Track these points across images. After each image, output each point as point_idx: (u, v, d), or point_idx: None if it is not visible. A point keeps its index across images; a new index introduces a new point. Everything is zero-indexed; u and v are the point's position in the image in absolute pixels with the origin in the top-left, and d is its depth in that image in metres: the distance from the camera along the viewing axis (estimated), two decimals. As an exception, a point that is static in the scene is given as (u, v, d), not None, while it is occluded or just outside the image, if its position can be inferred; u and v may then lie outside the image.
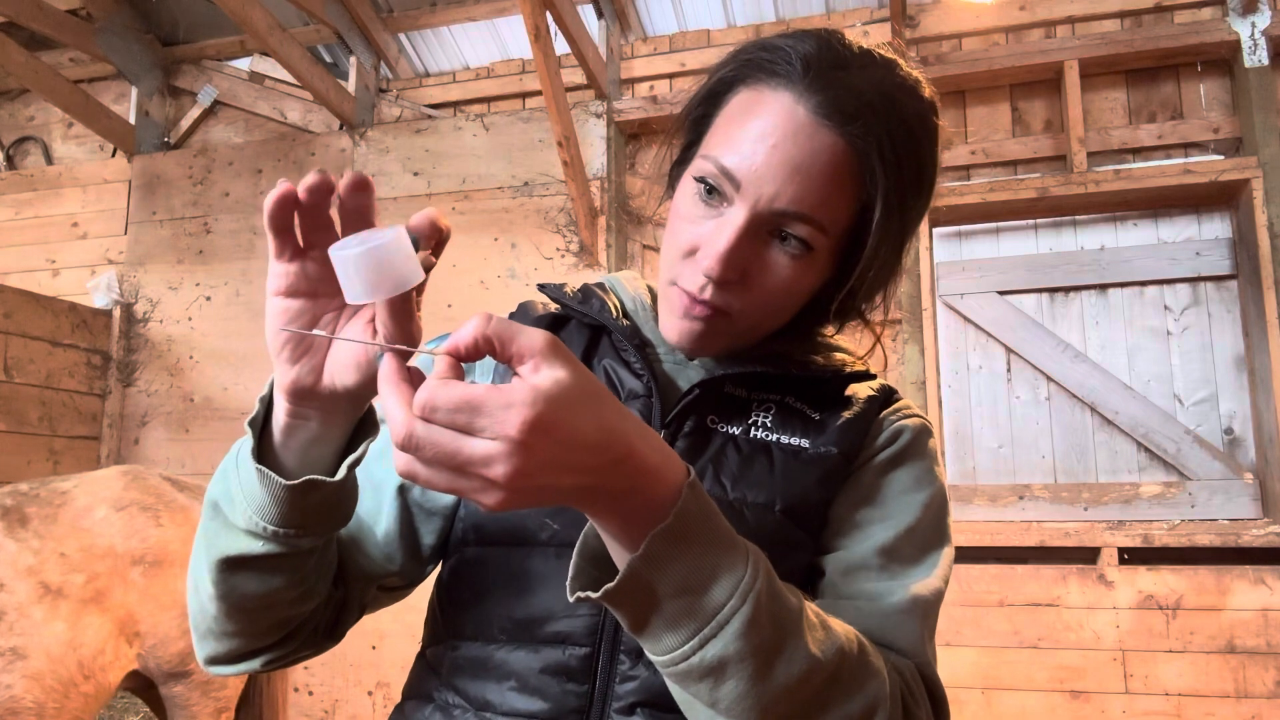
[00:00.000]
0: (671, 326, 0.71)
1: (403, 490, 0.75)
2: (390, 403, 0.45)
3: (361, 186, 0.50)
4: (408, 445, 0.43)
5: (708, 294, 0.68)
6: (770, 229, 0.67)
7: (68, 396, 3.80)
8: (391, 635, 3.43)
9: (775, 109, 0.66)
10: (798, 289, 0.70)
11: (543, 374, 0.44)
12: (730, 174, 0.66)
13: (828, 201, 0.66)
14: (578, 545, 0.54)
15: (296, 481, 0.56)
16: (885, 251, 0.69)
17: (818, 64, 0.66)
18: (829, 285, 0.72)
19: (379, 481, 0.75)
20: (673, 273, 0.70)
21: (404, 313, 0.51)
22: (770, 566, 0.54)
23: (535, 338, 0.45)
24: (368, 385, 0.56)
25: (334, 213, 0.54)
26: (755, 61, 0.69)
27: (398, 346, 0.48)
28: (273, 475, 0.56)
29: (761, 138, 0.65)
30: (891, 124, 0.66)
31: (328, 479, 0.58)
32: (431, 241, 0.52)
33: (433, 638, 0.76)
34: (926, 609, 0.68)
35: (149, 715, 2.75)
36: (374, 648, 3.46)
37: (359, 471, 0.70)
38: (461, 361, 0.46)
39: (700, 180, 0.68)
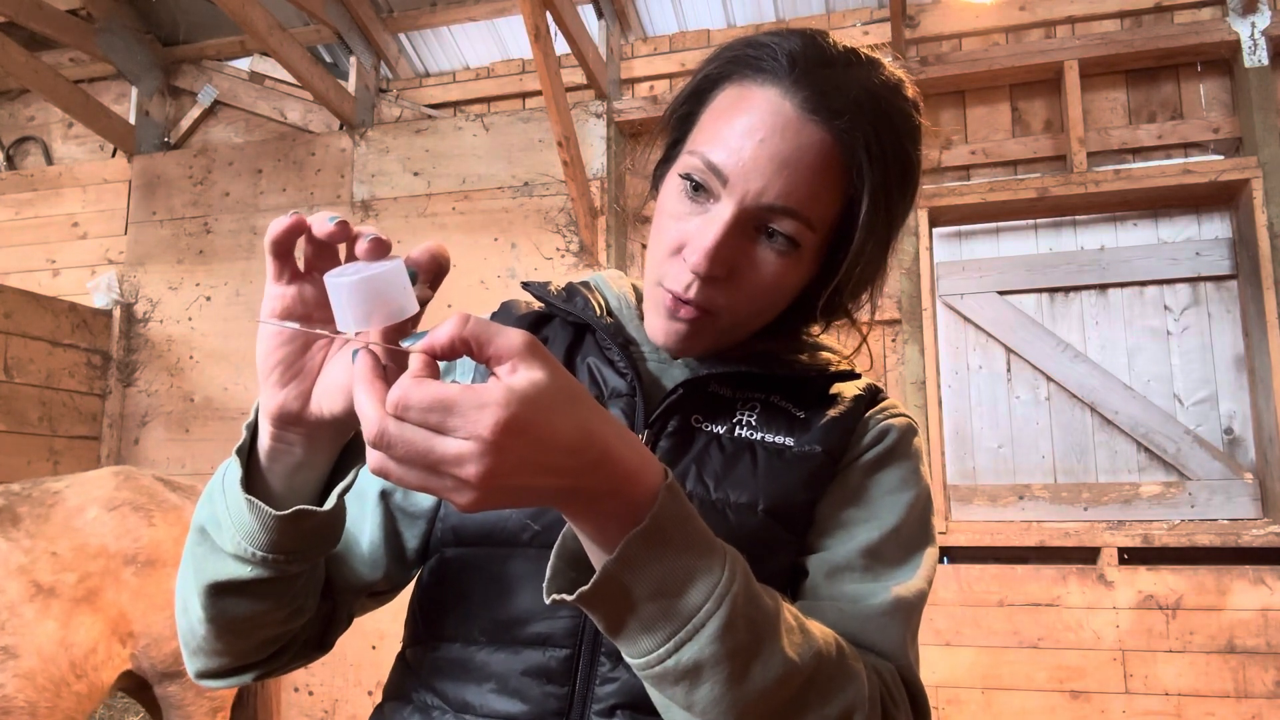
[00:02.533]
0: (657, 328, 0.71)
1: (385, 496, 0.75)
2: (363, 400, 0.45)
3: (379, 250, 0.50)
4: (380, 443, 0.43)
5: (693, 292, 0.67)
6: (757, 225, 0.67)
7: (68, 396, 3.80)
8: (391, 635, 3.43)
9: (762, 104, 0.66)
10: (784, 286, 0.69)
11: (519, 375, 0.44)
12: (717, 169, 0.66)
13: (815, 197, 0.65)
14: (555, 547, 0.53)
15: (285, 512, 0.56)
16: (872, 248, 0.69)
17: (804, 61, 0.66)
18: (815, 283, 0.72)
19: (361, 490, 0.75)
20: (659, 272, 0.70)
21: (394, 344, 0.51)
22: (748, 569, 0.53)
23: (513, 339, 0.45)
24: (354, 414, 0.55)
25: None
26: (741, 58, 0.69)
27: (374, 344, 0.48)
28: (262, 505, 0.56)
29: (749, 133, 0.65)
30: (877, 120, 0.66)
31: (316, 509, 0.57)
32: (430, 274, 0.52)
33: (413, 638, 0.76)
34: (909, 611, 0.67)
35: (148, 717, 2.75)
36: (374, 648, 3.46)
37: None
38: (438, 360, 0.46)
39: (686, 177, 0.68)
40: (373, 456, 0.44)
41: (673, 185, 0.70)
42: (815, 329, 0.82)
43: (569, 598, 0.50)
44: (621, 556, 0.48)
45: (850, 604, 0.66)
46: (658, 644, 0.50)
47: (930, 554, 0.72)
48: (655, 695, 0.54)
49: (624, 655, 0.53)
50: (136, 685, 2.20)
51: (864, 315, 0.78)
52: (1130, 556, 3.07)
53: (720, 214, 0.66)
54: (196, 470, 3.83)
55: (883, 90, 0.67)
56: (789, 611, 0.56)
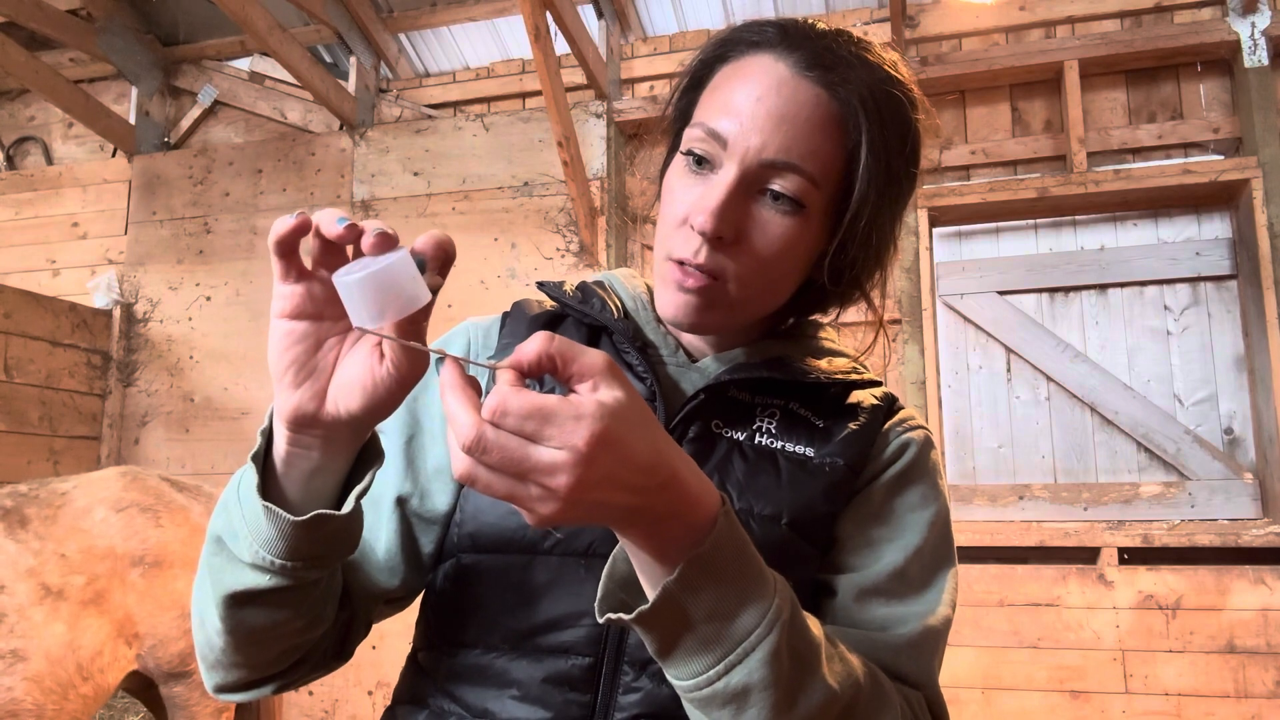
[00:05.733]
0: (668, 301, 0.70)
1: (400, 502, 0.74)
2: (457, 406, 0.45)
3: (385, 244, 0.49)
4: (475, 448, 0.43)
5: (702, 256, 0.67)
6: (761, 187, 0.67)
7: (68, 396, 3.80)
8: (392, 635, 3.43)
9: (757, 70, 0.68)
10: (793, 251, 0.69)
11: (604, 392, 0.45)
12: (718, 134, 0.67)
13: (816, 152, 0.66)
14: (606, 569, 0.54)
15: (304, 517, 0.55)
16: (876, 206, 0.69)
17: (794, 30, 0.69)
18: (823, 260, 0.71)
19: (376, 497, 0.74)
20: (667, 246, 0.70)
21: (411, 335, 0.51)
22: (794, 597, 0.54)
23: (596, 358, 0.46)
24: (372, 412, 0.54)
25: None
26: (732, 40, 0.71)
27: (457, 356, 0.48)
28: (279, 511, 0.55)
29: (746, 96, 0.67)
30: (870, 79, 0.68)
31: (335, 513, 0.56)
32: (438, 262, 0.51)
33: (427, 642, 0.75)
34: (936, 639, 0.68)
35: (149, 716, 2.75)
36: (374, 647, 3.46)
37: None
38: (525, 376, 0.46)
39: (688, 153, 0.69)
40: (461, 462, 0.44)
41: (676, 166, 0.71)
42: (828, 318, 0.82)
43: (627, 617, 0.50)
44: (681, 578, 0.49)
45: (880, 632, 0.67)
46: (708, 666, 0.51)
47: (953, 575, 0.72)
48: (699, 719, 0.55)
49: (671, 677, 0.53)
50: (141, 685, 2.20)
51: (875, 296, 0.78)
52: (1130, 556, 3.07)
53: (724, 176, 0.66)
54: (196, 470, 3.83)
55: (872, 59, 0.70)
56: (829, 639, 0.57)
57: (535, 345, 0.45)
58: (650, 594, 0.51)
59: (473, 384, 0.46)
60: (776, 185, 0.66)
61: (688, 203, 0.68)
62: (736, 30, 0.72)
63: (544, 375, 0.47)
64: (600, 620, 0.52)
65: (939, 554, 0.72)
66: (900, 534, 0.71)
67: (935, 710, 0.67)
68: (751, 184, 0.66)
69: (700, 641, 0.51)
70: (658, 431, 0.48)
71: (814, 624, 0.56)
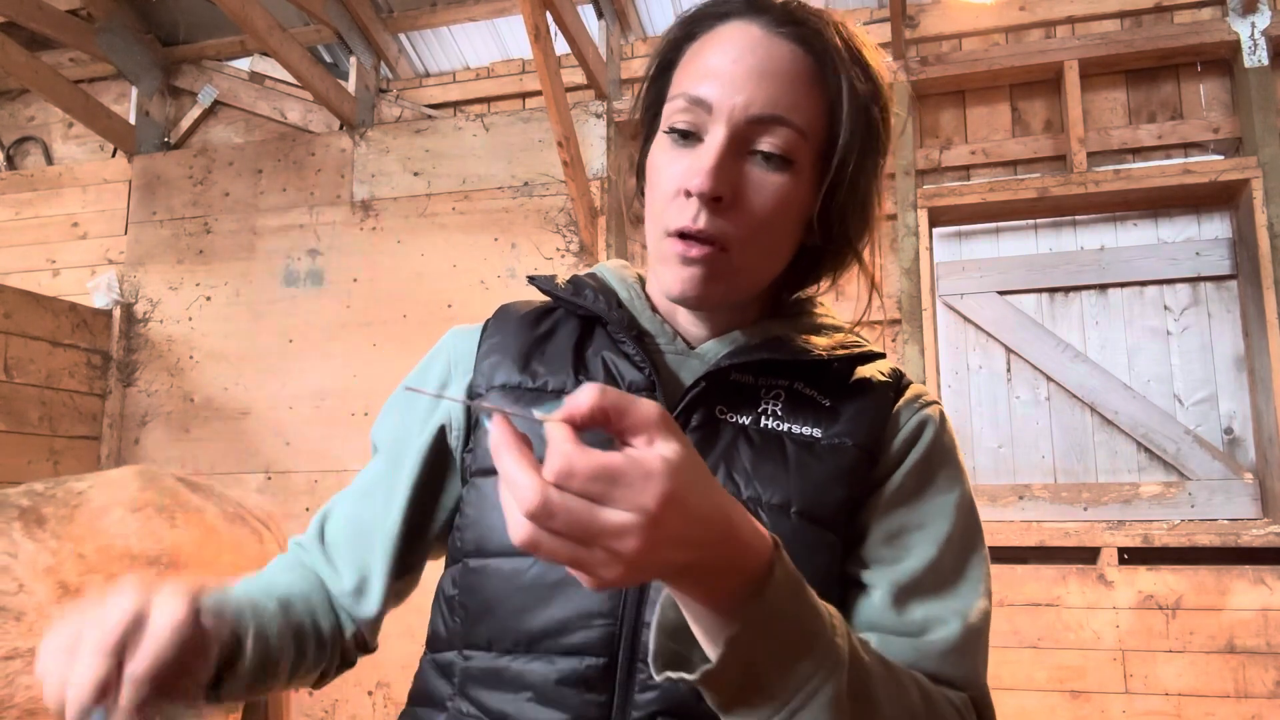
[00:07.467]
0: (672, 278, 0.69)
1: (442, 432, 0.78)
2: (515, 468, 0.42)
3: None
4: (540, 514, 0.41)
5: (702, 221, 0.66)
6: (750, 147, 0.67)
7: (68, 396, 3.80)
8: (392, 635, 3.41)
9: (729, 35, 0.68)
10: (788, 210, 0.68)
11: (662, 446, 0.43)
12: (701, 100, 0.67)
13: (798, 104, 0.67)
14: (656, 619, 0.52)
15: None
16: (861, 152, 0.69)
17: None
18: (813, 218, 0.71)
19: (391, 485, 0.78)
20: (663, 221, 0.69)
21: (184, 688, 0.54)
22: (849, 630, 0.53)
23: (650, 410, 0.44)
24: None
25: None
26: (697, 17, 0.72)
27: (506, 410, 0.46)
28: None
29: (723, 58, 0.67)
30: (840, 32, 0.70)
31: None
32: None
33: (439, 646, 0.75)
34: (978, 638, 0.69)
35: (149, 715, 2.74)
36: (374, 648, 3.45)
37: (361, 491, 0.77)
38: (578, 430, 0.43)
39: (671, 130, 0.69)
40: (521, 529, 0.42)
41: (660, 145, 0.71)
42: (823, 290, 0.81)
43: (690, 678, 0.48)
44: (745, 631, 0.47)
45: (922, 636, 0.67)
46: (771, 714, 0.49)
47: (984, 559, 0.73)
48: None
49: None
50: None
51: (865, 263, 0.78)
52: (1130, 556, 3.07)
53: (713, 139, 0.66)
54: (196, 471, 3.82)
55: (835, 19, 0.71)
56: (878, 659, 0.56)
57: (588, 398, 0.43)
58: (708, 647, 0.49)
59: (526, 440, 0.44)
60: (766, 142, 0.66)
61: (678, 173, 0.68)
62: (700, 8, 0.72)
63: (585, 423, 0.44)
64: (658, 679, 0.50)
65: (968, 538, 0.73)
66: (929, 521, 0.71)
67: (981, 711, 0.67)
68: (742, 143, 0.66)
69: (765, 691, 0.49)
70: (713, 482, 0.46)
71: (866, 649, 0.55)
